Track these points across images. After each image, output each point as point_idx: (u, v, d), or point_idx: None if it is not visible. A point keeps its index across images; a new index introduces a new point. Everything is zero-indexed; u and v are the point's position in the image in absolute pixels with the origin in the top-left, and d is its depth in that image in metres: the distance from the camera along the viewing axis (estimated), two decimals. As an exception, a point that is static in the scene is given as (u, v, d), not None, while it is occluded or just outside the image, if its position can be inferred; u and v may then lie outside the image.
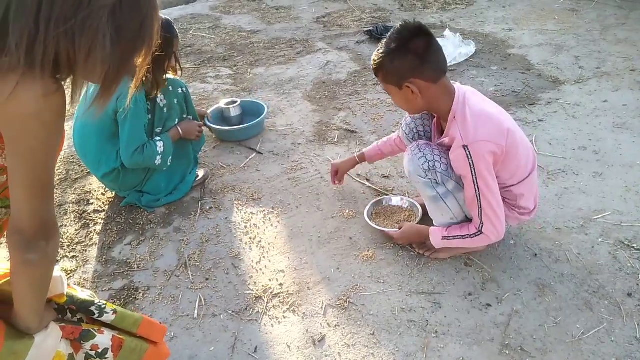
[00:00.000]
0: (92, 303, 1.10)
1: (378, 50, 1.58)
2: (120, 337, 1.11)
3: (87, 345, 1.06)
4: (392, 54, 1.54)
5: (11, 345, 0.94)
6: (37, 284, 0.94)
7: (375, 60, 1.58)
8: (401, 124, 1.92)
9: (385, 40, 1.57)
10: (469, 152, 1.52)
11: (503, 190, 1.66)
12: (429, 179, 1.66)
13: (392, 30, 1.57)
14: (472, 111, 1.54)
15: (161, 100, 2.04)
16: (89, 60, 0.80)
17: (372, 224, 1.95)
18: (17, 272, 0.90)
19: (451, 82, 1.61)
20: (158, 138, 2.04)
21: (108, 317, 1.11)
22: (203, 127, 2.26)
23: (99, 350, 1.07)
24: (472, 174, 1.54)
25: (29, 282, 0.92)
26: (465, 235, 1.67)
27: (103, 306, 1.10)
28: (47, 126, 0.81)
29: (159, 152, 2.02)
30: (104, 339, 1.08)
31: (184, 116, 2.13)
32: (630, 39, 3.60)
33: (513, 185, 1.66)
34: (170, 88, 2.08)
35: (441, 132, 1.73)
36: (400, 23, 1.56)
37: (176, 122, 2.12)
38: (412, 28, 1.53)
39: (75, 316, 1.10)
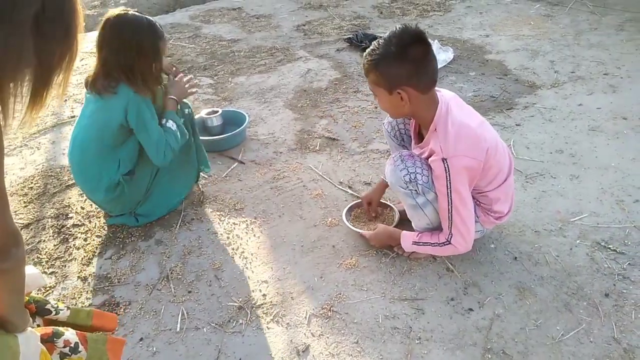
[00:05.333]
0: (47, 302, 1.16)
1: (374, 49, 1.49)
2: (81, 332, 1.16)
3: (60, 343, 1.08)
4: (390, 57, 1.46)
5: (5, 339, 0.97)
6: (17, 287, 0.98)
7: (370, 60, 1.49)
8: (384, 122, 1.93)
9: (382, 41, 1.48)
10: (447, 165, 1.53)
11: (479, 195, 1.69)
12: (410, 189, 1.66)
13: (391, 31, 1.48)
14: (453, 124, 1.53)
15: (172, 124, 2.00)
16: (16, 70, 0.82)
17: (349, 224, 1.98)
18: None
19: (436, 91, 1.61)
20: (165, 120, 1.97)
21: (64, 314, 1.17)
22: (192, 79, 2.14)
23: (72, 345, 1.10)
24: (447, 187, 1.57)
25: (9, 288, 0.96)
26: (434, 244, 1.70)
27: (55, 305, 1.16)
28: None
29: (176, 131, 1.97)
30: (71, 334, 1.12)
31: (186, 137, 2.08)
32: (602, 44, 3.69)
33: (490, 191, 1.69)
34: (179, 107, 2.06)
35: (421, 137, 1.74)
36: (400, 25, 1.49)
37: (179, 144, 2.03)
38: (413, 33, 1.47)
39: (34, 322, 1.13)
